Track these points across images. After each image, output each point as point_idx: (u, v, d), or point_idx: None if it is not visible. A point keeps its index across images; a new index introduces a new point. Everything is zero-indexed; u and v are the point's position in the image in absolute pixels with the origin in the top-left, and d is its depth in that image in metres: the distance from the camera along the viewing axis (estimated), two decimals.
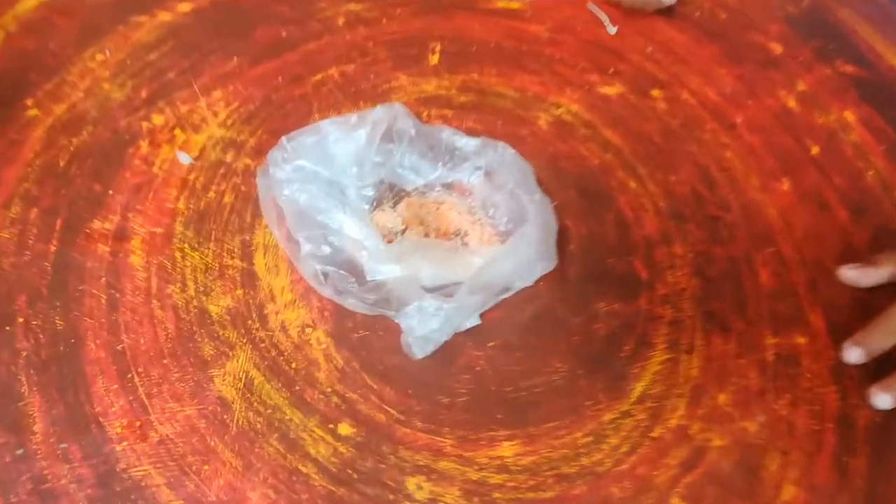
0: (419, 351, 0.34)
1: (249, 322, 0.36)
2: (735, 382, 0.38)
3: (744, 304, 0.40)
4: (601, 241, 0.41)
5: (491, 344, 0.37)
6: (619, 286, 0.40)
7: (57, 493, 0.30)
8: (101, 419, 0.32)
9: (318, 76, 0.45)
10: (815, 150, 0.48)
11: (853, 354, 0.39)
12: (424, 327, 0.33)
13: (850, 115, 0.50)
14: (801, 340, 0.40)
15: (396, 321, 0.34)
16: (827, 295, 0.41)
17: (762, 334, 0.39)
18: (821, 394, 0.38)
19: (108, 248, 0.37)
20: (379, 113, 0.39)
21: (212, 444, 0.32)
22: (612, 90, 0.48)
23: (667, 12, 0.54)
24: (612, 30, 0.52)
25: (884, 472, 0.36)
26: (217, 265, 0.37)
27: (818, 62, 0.53)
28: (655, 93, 0.49)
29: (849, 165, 0.48)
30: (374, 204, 0.40)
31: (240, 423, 0.33)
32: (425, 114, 0.45)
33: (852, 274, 0.42)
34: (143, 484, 0.31)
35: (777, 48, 0.54)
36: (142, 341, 0.34)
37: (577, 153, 0.45)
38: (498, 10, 0.51)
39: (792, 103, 0.50)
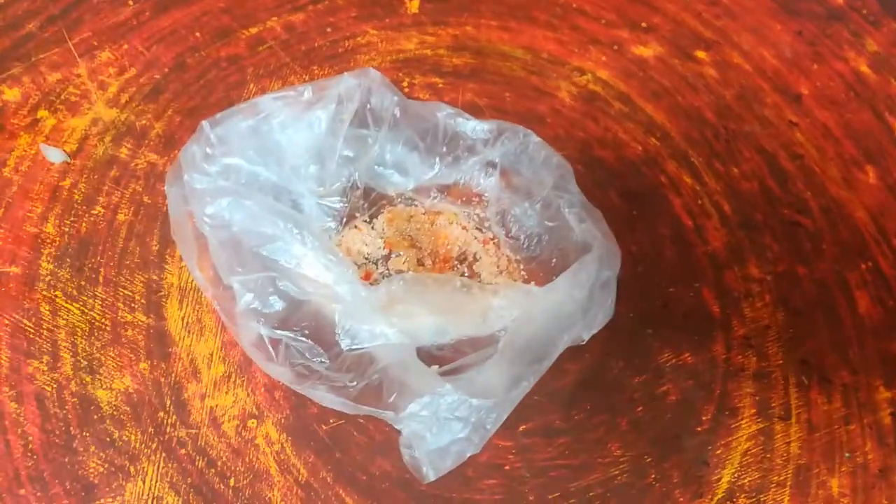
0: (432, 471, 0.22)
1: (161, 415, 0.23)
2: (849, 460, 0.27)
3: (844, 344, 0.30)
4: (657, 264, 0.30)
5: (523, 428, 0.26)
6: (687, 327, 0.29)
7: None
8: None
9: (254, 29, 0.32)
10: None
11: None
12: (441, 437, 0.21)
13: None
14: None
15: (394, 425, 0.22)
16: None
17: (873, 386, 0.29)
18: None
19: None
20: (346, 84, 0.27)
21: None
22: (647, 51, 0.37)
23: None
24: None
25: None
26: (108, 323, 0.24)
27: (886, 15, 0.43)
28: (701, 54, 0.38)
29: None
30: (343, 220, 0.27)
31: None
32: (406, 83, 0.32)
33: None
34: None
35: None
36: None
37: (614, 138, 0.33)
38: None
39: (864, 67, 0.40)
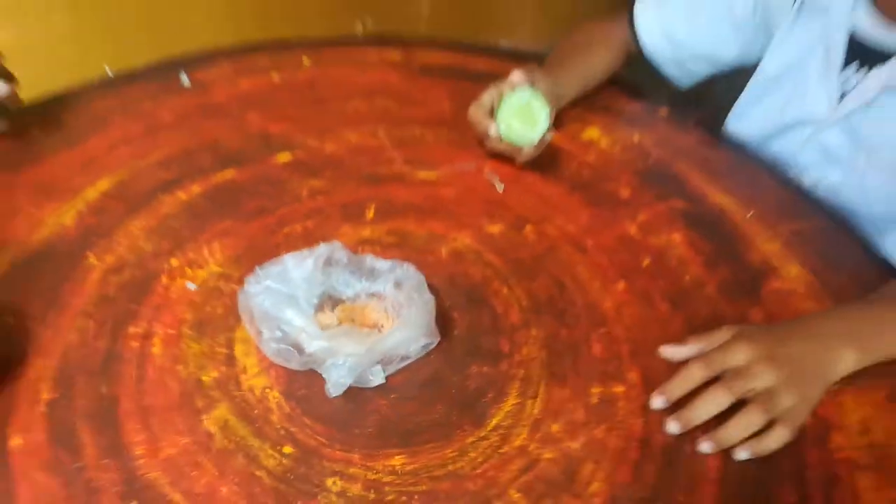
0: (334, 391, 0.51)
1: (229, 387, 0.53)
2: (566, 417, 0.53)
3: (579, 366, 0.57)
4: (478, 328, 0.59)
5: (393, 396, 0.54)
6: (488, 356, 0.57)
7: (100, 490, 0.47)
8: (129, 446, 0.49)
9: (287, 229, 0.66)
10: (646, 261, 0.66)
11: (658, 401, 0.54)
12: (336, 375, 0.50)
13: (677, 237, 0.69)
14: (620, 389, 0.56)
15: (321, 374, 0.52)
16: (644, 362, 0.58)
17: (590, 385, 0.56)
18: (630, 424, 0.53)
19: (137, 344, 0.56)
20: (322, 249, 0.59)
21: (199, 460, 0.49)
22: (495, 228, 0.68)
23: (542, 170, 0.75)
24: (501, 188, 0.73)
25: (671, 473, 0.51)
26: (210, 352, 0.55)
27: (657, 201, 0.73)
28: (528, 228, 0.69)
29: (672, 272, 0.66)
30: (317, 308, 0.58)
31: (218, 447, 0.50)
32: (360, 250, 0.64)
33: (669, 352, 0.58)
34: (152, 484, 0.47)
35: (626, 192, 0.74)
36: (158, 400, 0.52)
37: (466, 271, 0.64)
38: (418, 180, 0.73)
39: (633, 231, 0.70)
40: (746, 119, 0.83)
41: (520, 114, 0.69)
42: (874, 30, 0.70)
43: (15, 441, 0.49)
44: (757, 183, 0.77)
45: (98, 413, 0.51)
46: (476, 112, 0.73)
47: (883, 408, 0.56)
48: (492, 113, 0.72)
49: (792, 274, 0.67)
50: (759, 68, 0.80)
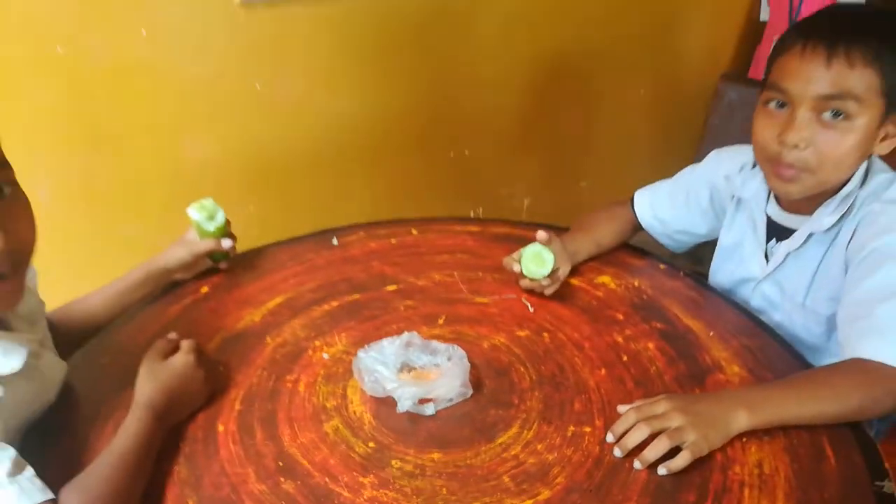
0: (400, 409, 0.84)
1: (342, 410, 0.88)
2: (547, 442, 0.83)
3: (563, 415, 0.87)
4: (500, 389, 0.91)
5: (438, 421, 0.86)
6: (503, 405, 0.88)
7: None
8: (280, 436, 0.84)
9: (387, 328, 1.02)
10: (625, 358, 0.97)
11: (609, 437, 0.83)
12: (403, 401, 0.84)
13: (651, 345, 0.99)
14: (588, 429, 0.85)
15: (396, 401, 0.85)
16: (608, 415, 0.87)
17: (568, 426, 0.85)
18: (591, 449, 0.82)
19: (291, 385, 0.92)
20: (405, 336, 0.95)
21: (319, 446, 0.83)
22: (523, 333, 1.01)
23: (562, 300, 1.08)
24: (531, 309, 1.07)
25: (612, 477, 0.78)
26: (333, 392, 0.91)
27: (642, 322, 1.04)
28: (545, 335, 1.01)
29: (641, 366, 0.95)
30: (398, 370, 0.92)
31: (331, 440, 0.83)
32: (429, 338, 0.99)
33: (621, 408, 0.87)
34: (293, 456, 0.81)
35: (621, 316, 1.05)
36: (299, 414, 0.87)
37: (498, 357, 0.97)
38: (476, 303, 1.08)
39: (620, 339, 1.00)
40: (718, 275, 1.15)
41: (534, 258, 1.05)
42: (780, 216, 1.03)
43: (220, 428, 0.85)
44: (721, 314, 1.06)
45: (265, 418, 0.87)
46: (507, 259, 1.09)
47: (776, 455, 0.81)
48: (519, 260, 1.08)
49: (733, 371, 0.94)
50: (718, 242, 1.14)
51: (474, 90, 2.18)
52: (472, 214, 2.39)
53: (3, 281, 0.70)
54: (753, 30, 2.52)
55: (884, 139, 0.93)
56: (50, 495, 0.68)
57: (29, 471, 0.68)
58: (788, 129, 0.92)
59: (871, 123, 0.90)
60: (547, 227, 1.24)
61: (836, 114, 0.90)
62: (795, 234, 1.02)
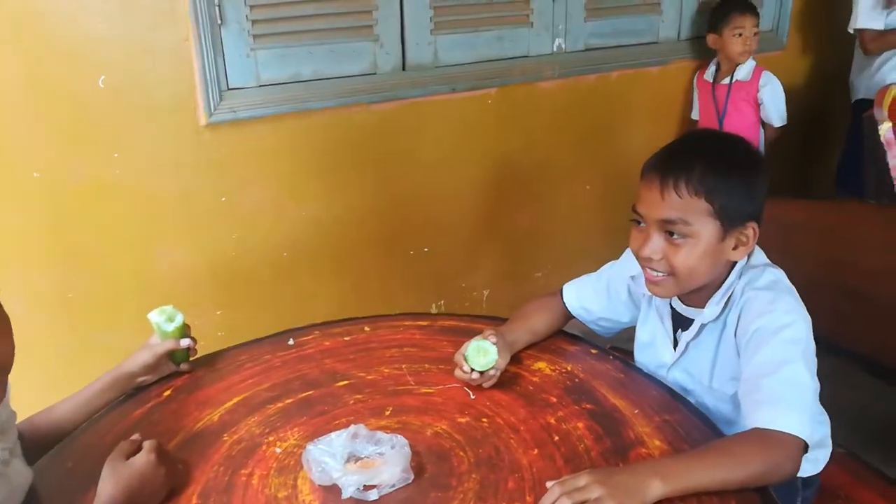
0: (346, 494, 0.91)
1: (293, 500, 0.94)
2: None
3: (498, 493, 0.94)
4: (440, 473, 0.98)
5: None
6: (442, 487, 0.95)
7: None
8: None
9: (337, 421, 1.10)
10: (556, 438, 1.05)
11: None
12: (348, 488, 0.91)
13: (581, 424, 1.08)
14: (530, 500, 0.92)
15: (342, 488, 0.92)
16: (538, 491, 0.94)
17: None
18: None
19: (245, 479, 0.98)
20: (352, 428, 1.03)
21: None
22: (463, 419, 1.10)
23: (501, 386, 1.17)
24: (472, 396, 1.15)
25: None
26: (284, 483, 0.97)
27: (573, 404, 1.13)
28: (485, 420, 1.10)
29: (571, 444, 1.04)
30: (345, 460, 1.00)
31: None
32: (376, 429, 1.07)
33: (549, 483, 0.94)
34: None
35: (554, 399, 1.14)
36: None
37: (440, 443, 1.04)
38: (421, 393, 1.17)
39: (553, 421, 1.09)
40: (640, 359, 1.26)
41: (477, 351, 1.14)
42: (682, 308, 1.17)
43: None
44: (645, 392, 1.16)
45: None
46: (457, 355, 1.19)
47: None
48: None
49: (654, 444, 1.03)
50: (636, 335, 1.26)
51: (432, 193, 2.34)
52: (433, 308, 2.50)
53: None
54: (689, 125, 2.73)
55: (735, 248, 1.08)
56: None
57: None
58: (644, 245, 1.09)
59: (711, 239, 1.06)
60: (494, 321, 1.35)
61: (677, 234, 1.06)
62: (692, 326, 1.15)
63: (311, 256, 2.21)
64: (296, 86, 2.06)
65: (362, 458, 1.01)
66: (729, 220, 1.05)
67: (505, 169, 2.44)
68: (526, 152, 2.47)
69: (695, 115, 2.66)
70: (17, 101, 1.74)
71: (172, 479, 0.96)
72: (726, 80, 2.52)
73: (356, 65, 2.13)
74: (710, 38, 2.51)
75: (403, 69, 2.20)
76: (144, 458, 0.93)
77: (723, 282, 1.11)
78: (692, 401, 1.15)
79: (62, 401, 1.14)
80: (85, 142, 1.84)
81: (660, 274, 1.09)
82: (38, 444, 1.05)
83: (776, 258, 1.15)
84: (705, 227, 1.05)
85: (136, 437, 0.98)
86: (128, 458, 0.93)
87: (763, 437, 0.94)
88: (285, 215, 2.13)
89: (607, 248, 1.40)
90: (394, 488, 0.95)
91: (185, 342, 1.20)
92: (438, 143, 2.30)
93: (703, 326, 1.14)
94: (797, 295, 1.09)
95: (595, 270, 1.36)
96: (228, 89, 1.97)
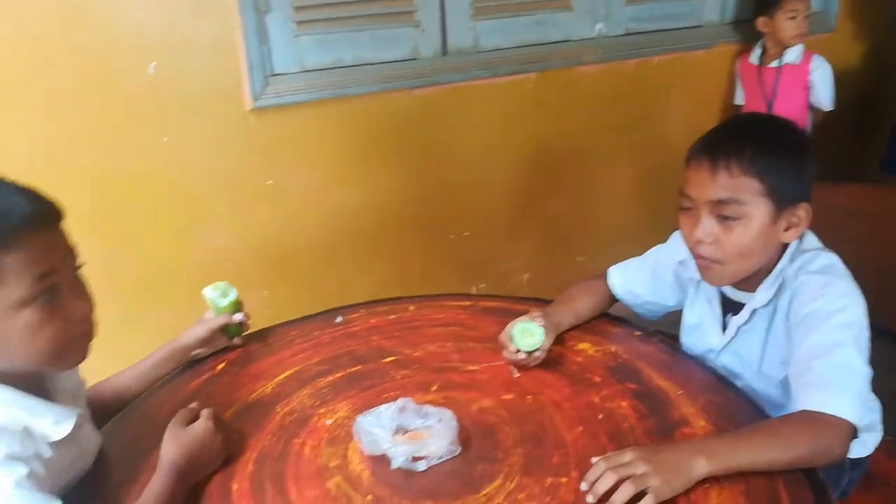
0: (395, 464, 0.94)
1: (343, 468, 0.98)
2: (527, 491, 0.92)
3: (542, 468, 0.96)
4: (486, 446, 1.01)
5: (429, 475, 0.95)
6: (488, 460, 0.98)
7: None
8: (287, 492, 0.94)
9: (384, 395, 1.13)
10: (600, 416, 1.06)
11: (582, 485, 0.92)
12: (397, 458, 0.94)
13: (625, 404, 1.09)
14: (564, 480, 0.94)
15: (390, 458, 0.95)
16: (582, 467, 0.95)
17: (546, 477, 0.94)
18: (566, 497, 0.91)
19: (298, 448, 1.02)
20: (400, 401, 1.05)
21: (322, 500, 0.92)
22: (508, 396, 1.12)
23: (546, 366, 1.18)
24: (517, 375, 1.17)
25: None
26: (335, 452, 1.01)
27: (617, 384, 1.14)
28: (529, 397, 1.11)
29: (615, 423, 1.05)
30: (394, 432, 1.02)
31: (333, 494, 0.93)
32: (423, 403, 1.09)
33: (594, 459, 0.95)
34: None
35: (598, 379, 1.16)
36: (303, 472, 0.97)
37: (486, 419, 1.07)
38: (466, 370, 1.19)
39: (597, 400, 1.10)
40: (686, 342, 1.26)
41: (523, 332, 1.16)
42: (732, 293, 1.17)
43: (234, 486, 0.96)
44: (690, 374, 1.16)
45: (274, 477, 0.97)
46: (503, 335, 1.20)
47: (734, 499, 0.90)
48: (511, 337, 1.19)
49: (699, 425, 1.04)
50: (682, 319, 1.26)
51: (472, 177, 2.35)
52: (473, 291, 2.52)
53: (88, 341, 0.89)
54: (732, 111, 2.69)
55: (787, 229, 1.08)
56: None
57: None
58: (695, 229, 1.08)
59: (763, 219, 1.05)
60: (537, 302, 1.36)
61: (730, 216, 1.05)
62: (742, 311, 1.15)
63: (353, 239, 2.24)
64: (338, 71, 2.08)
65: (410, 431, 1.03)
66: (780, 200, 1.05)
67: (545, 153, 2.44)
68: (565, 137, 2.46)
69: (739, 100, 2.63)
70: (70, 89, 1.79)
71: (229, 447, 1.00)
72: (775, 64, 2.48)
73: (397, 50, 2.15)
74: (761, 21, 2.46)
75: (444, 54, 2.21)
76: (203, 425, 0.97)
77: (774, 266, 1.11)
78: (740, 384, 1.15)
79: (122, 371, 1.19)
80: (135, 127, 1.89)
81: (711, 260, 1.09)
82: (100, 410, 1.10)
83: (823, 243, 1.15)
84: (757, 208, 1.05)
85: (194, 405, 1.02)
86: (187, 425, 0.98)
87: (812, 420, 0.94)
88: (328, 199, 2.17)
89: (650, 232, 1.40)
90: (441, 460, 0.98)
91: (237, 317, 1.24)
92: (478, 128, 2.31)
93: (754, 311, 1.14)
94: (852, 279, 1.08)
95: (637, 255, 1.37)
96: (273, 75, 2.00)
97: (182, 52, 1.87)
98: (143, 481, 0.94)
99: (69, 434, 0.90)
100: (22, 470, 0.80)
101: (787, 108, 2.46)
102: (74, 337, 0.88)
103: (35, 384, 0.91)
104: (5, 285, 0.81)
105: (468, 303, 1.43)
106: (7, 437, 0.82)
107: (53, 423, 0.89)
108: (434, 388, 1.15)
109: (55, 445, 0.88)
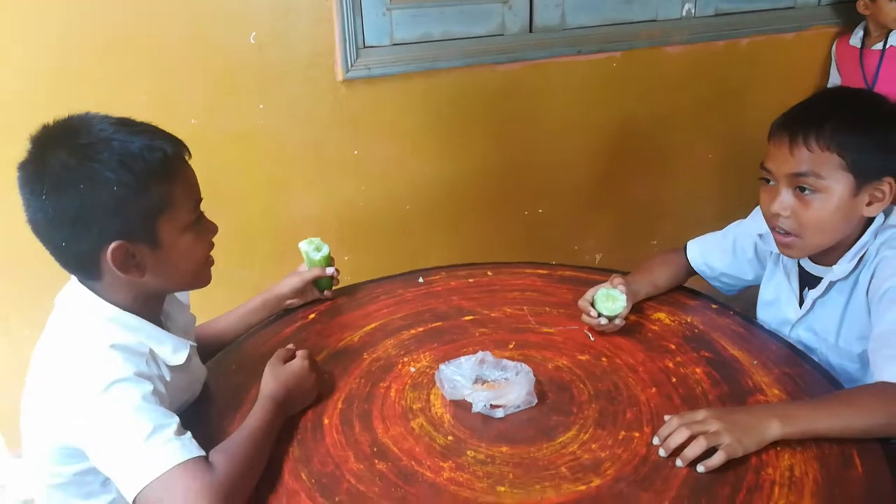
0: (475, 409, 0.99)
1: (426, 410, 1.04)
2: (601, 442, 0.96)
3: (616, 422, 1.00)
4: (561, 400, 1.05)
5: (507, 422, 1.01)
6: (563, 412, 1.02)
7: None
8: (374, 429, 1.01)
9: (464, 350, 1.19)
10: (673, 379, 1.09)
11: (655, 439, 0.95)
12: (477, 403, 0.99)
13: (698, 370, 1.12)
14: (637, 434, 0.98)
15: (471, 403, 1.01)
16: (655, 423, 0.99)
17: (620, 431, 0.98)
18: (638, 450, 0.95)
19: (384, 391, 1.09)
20: (479, 354, 1.11)
21: (407, 437, 0.99)
22: (584, 357, 1.16)
23: (622, 333, 1.22)
24: (592, 339, 1.21)
25: (656, 472, 0.91)
26: (418, 397, 1.07)
27: (692, 351, 1.17)
28: (604, 359, 1.15)
29: (688, 386, 1.08)
30: (474, 381, 1.08)
31: (417, 433, 0.99)
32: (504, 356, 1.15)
33: (667, 416, 0.99)
34: (385, 444, 0.98)
35: (673, 346, 1.18)
36: (390, 413, 1.04)
37: (561, 376, 1.11)
38: (542, 332, 1.23)
39: (671, 365, 1.13)
40: (763, 317, 1.27)
41: (606, 297, 1.19)
42: (810, 266, 1.18)
43: (325, 421, 1.03)
44: (766, 346, 1.17)
45: (362, 415, 1.04)
46: (582, 301, 1.24)
47: (807, 462, 0.92)
48: (592, 302, 1.22)
49: (773, 393, 1.05)
50: (759, 293, 1.27)
51: (549, 154, 2.38)
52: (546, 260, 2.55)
53: (212, 264, 1.03)
54: None
55: (870, 203, 1.07)
56: (203, 453, 0.87)
57: (188, 434, 0.88)
58: (773, 201, 1.09)
59: (843, 194, 1.05)
60: (610, 272, 1.39)
61: (808, 188, 1.06)
62: (820, 284, 1.15)
63: (431, 211, 2.30)
64: (426, 45, 2.14)
65: (488, 382, 1.09)
66: (862, 175, 1.05)
67: (626, 134, 2.44)
68: (648, 119, 2.45)
69: (833, 83, 2.55)
70: (181, 55, 1.90)
71: (321, 385, 1.08)
72: (878, 46, 2.40)
73: (484, 26, 2.19)
74: (862, 3, 2.38)
75: (530, 31, 2.24)
76: (299, 363, 1.05)
77: (856, 240, 1.11)
78: (815, 358, 1.15)
79: (222, 315, 1.28)
80: (235, 93, 1.99)
81: (788, 233, 1.10)
82: (203, 349, 1.19)
83: None
84: (838, 182, 1.05)
85: (291, 346, 1.11)
86: (285, 362, 1.06)
87: (889, 390, 0.94)
88: (409, 170, 2.24)
89: (728, 221, 1.40)
90: (518, 409, 1.03)
91: (329, 270, 1.33)
92: (561, 106, 2.33)
93: (831, 284, 1.14)
94: None
95: None
96: (364, 47, 2.07)
97: (281, 22, 1.96)
98: (243, 411, 1.03)
99: (183, 363, 1.00)
100: (148, 386, 0.89)
101: (891, 91, 2.35)
102: (210, 259, 1.02)
103: (156, 317, 1.01)
104: (176, 211, 0.94)
105: (545, 271, 1.47)
106: (136, 357, 0.92)
107: (172, 350, 0.98)
108: (511, 346, 1.20)
109: (172, 370, 0.98)
